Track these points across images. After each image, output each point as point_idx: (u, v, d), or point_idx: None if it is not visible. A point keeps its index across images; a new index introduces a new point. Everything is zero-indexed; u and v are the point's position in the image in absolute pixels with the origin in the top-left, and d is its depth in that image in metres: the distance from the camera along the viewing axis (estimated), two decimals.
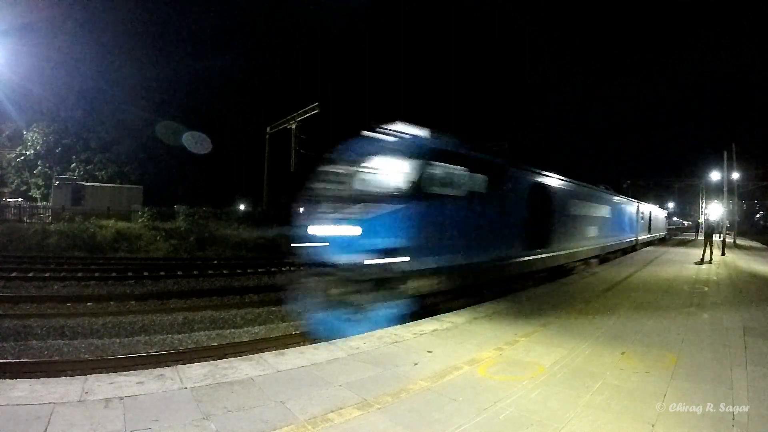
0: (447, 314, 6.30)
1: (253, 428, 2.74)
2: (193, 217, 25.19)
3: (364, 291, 5.69)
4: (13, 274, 12.31)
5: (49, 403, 2.88)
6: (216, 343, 7.01)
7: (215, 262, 17.54)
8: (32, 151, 29.76)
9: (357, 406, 3.11)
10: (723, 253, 19.04)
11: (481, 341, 4.93)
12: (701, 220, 46.19)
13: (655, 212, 27.97)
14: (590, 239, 13.79)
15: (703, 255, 16.09)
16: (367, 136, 6.85)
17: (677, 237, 42.99)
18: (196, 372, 3.65)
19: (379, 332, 5.24)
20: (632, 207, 21.11)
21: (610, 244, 16.66)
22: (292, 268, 17.07)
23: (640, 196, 29.34)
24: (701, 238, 22.65)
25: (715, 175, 31.93)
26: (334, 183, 6.76)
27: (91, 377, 3.39)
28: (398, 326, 5.56)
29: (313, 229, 6.40)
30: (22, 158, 29.90)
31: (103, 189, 28.61)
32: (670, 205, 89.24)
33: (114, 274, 13.49)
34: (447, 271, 6.69)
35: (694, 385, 3.67)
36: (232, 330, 8.05)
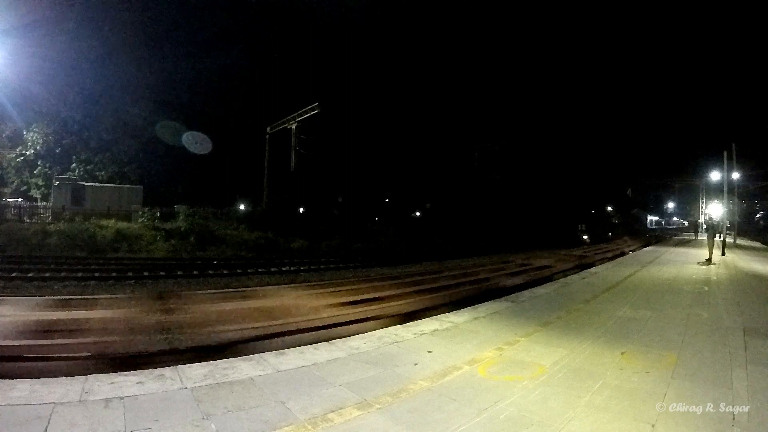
0: (447, 314, 6.30)
1: (253, 428, 2.74)
2: (194, 217, 25.17)
3: None
4: (14, 274, 12.31)
5: (49, 403, 2.88)
6: None
7: (215, 262, 17.55)
8: (32, 151, 29.73)
9: (357, 406, 3.11)
10: (723, 253, 19.03)
11: (481, 341, 4.93)
12: (701, 220, 46.22)
13: None
14: None
15: (710, 255, 15.94)
16: None
17: (677, 237, 42.98)
18: (196, 372, 3.65)
19: (379, 332, 5.24)
20: None
21: None
22: (292, 268, 17.10)
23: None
24: (701, 238, 22.62)
25: (715, 175, 31.89)
26: None
27: (91, 377, 3.39)
28: (398, 326, 5.56)
29: None
30: (22, 158, 29.87)
31: (103, 189, 28.58)
32: (670, 205, 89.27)
33: (114, 274, 13.49)
34: None
35: (695, 385, 3.67)
36: None
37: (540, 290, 8.88)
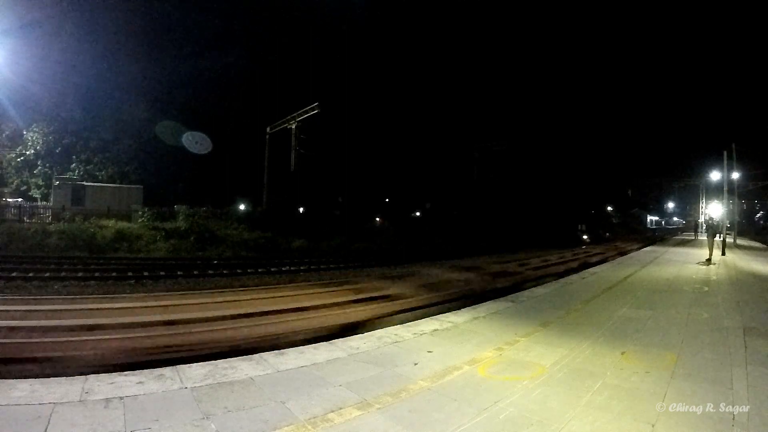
0: (447, 314, 6.30)
1: (253, 428, 2.74)
2: (194, 216, 25.14)
3: None
4: (13, 274, 12.31)
5: (50, 403, 2.88)
6: None
7: (215, 262, 17.54)
8: (32, 151, 29.73)
9: (357, 406, 3.12)
10: (723, 253, 19.01)
11: (481, 341, 4.93)
12: (701, 220, 46.22)
13: None
14: None
15: (710, 255, 15.89)
16: None
17: (677, 237, 42.95)
18: (196, 372, 3.65)
19: (379, 332, 5.24)
20: None
21: None
22: (292, 268, 17.09)
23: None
24: (701, 237, 22.60)
25: (715, 175, 31.88)
26: None
27: (91, 377, 3.39)
28: (398, 326, 5.57)
29: None
30: (22, 158, 29.87)
31: (103, 189, 28.55)
32: (670, 204, 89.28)
33: (114, 274, 13.49)
34: None
35: (694, 385, 3.67)
36: None
37: (540, 290, 8.89)
